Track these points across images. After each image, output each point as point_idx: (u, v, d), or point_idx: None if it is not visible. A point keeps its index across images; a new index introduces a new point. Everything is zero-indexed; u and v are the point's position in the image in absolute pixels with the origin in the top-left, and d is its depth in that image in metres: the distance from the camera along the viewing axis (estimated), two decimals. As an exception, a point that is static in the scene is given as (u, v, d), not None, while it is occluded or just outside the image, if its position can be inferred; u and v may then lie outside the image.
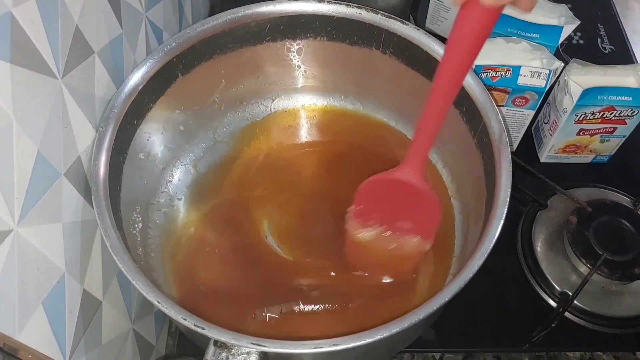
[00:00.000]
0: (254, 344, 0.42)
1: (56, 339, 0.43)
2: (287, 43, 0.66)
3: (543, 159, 0.79)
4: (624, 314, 0.66)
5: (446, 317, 0.64)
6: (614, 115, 0.70)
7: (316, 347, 0.42)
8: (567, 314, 0.67)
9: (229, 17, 0.61)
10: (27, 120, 0.39)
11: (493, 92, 0.68)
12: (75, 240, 0.47)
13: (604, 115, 0.70)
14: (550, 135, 0.75)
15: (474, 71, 0.60)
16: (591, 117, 0.71)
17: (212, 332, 0.43)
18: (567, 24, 0.71)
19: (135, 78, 0.56)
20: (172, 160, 0.66)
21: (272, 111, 0.73)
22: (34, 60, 0.40)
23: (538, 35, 0.71)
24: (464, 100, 0.59)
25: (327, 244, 0.64)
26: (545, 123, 0.77)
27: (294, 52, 0.68)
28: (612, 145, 0.76)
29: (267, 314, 0.60)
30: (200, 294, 0.61)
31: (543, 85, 0.67)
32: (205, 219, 0.66)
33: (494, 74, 0.66)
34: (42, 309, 0.41)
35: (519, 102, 0.70)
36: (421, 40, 0.60)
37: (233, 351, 0.43)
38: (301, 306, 0.60)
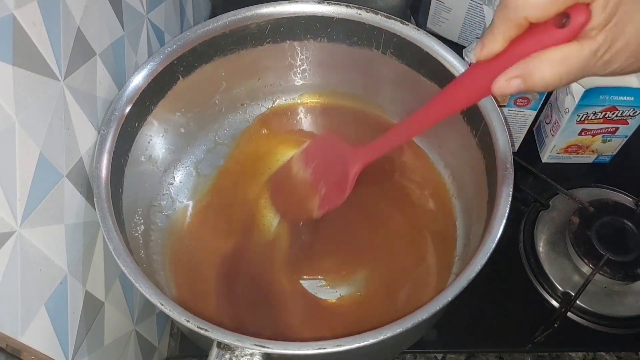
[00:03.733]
0: (257, 345, 0.42)
1: (59, 340, 0.43)
2: (287, 44, 0.66)
3: (545, 159, 0.79)
4: (627, 314, 0.66)
5: (448, 317, 0.64)
6: (616, 115, 0.70)
7: (320, 348, 0.42)
8: (569, 314, 0.66)
9: (229, 19, 0.61)
10: (30, 122, 0.39)
11: (494, 92, 0.68)
12: (78, 242, 0.47)
13: (606, 116, 0.70)
14: (552, 135, 0.75)
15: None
16: (593, 117, 0.71)
17: (215, 334, 0.43)
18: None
19: (137, 80, 0.56)
20: (173, 163, 0.66)
21: (272, 112, 0.73)
22: (36, 62, 0.40)
23: (539, 36, 0.71)
24: (465, 101, 0.59)
25: (330, 243, 0.64)
26: (547, 123, 0.77)
27: (294, 53, 0.68)
28: (614, 145, 0.76)
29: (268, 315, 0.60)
30: (202, 295, 0.60)
31: (544, 86, 0.67)
32: (207, 220, 0.66)
33: (495, 74, 0.66)
34: (45, 310, 0.41)
35: (521, 102, 0.70)
36: (421, 40, 0.60)
37: (236, 352, 0.43)
38: (303, 306, 0.60)
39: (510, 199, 0.50)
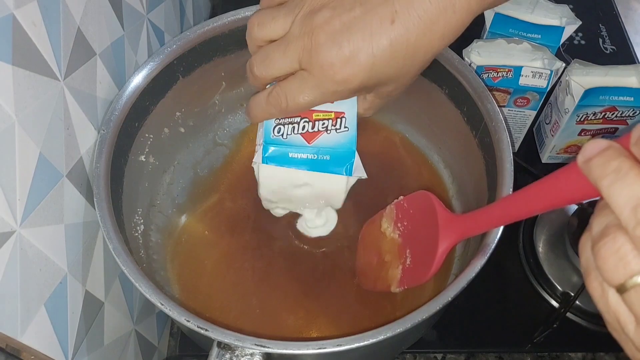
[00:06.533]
0: (257, 345, 0.42)
1: (58, 340, 0.43)
2: (288, 44, 0.66)
3: (544, 159, 0.79)
4: (627, 314, 0.66)
5: (448, 318, 0.64)
6: (616, 116, 0.70)
7: (320, 348, 0.42)
8: (568, 314, 0.67)
9: (229, 19, 0.61)
10: (29, 121, 0.39)
11: (494, 92, 0.68)
12: (77, 242, 0.47)
13: (606, 116, 0.70)
14: (552, 135, 0.75)
15: (476, 72, 0.60)
16: (593, 118, 0.71)
17: (216, 334, 0.43)
18: (569, 25, 0.71)
19: (137, 80, 0.56)
20: (173, 163, 0.66)
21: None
22: (36, 61, 0.40)
23: (539, 36, 0.71)
24: (465, 101, 0.59)
25: (329, 244, 0.64)
26: (547, 123, 0.77)
27: (294, 53, 0.68)
28: (614, 145, 0.76)
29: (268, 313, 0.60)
30: (202, 295, 0.61)
31: (544, 86, 0.67)
32: (206, 221, 0.66)
33: (495, 74, 0.66)
34: (45, 310, 0.41)
35: (521, 102, 0.70)
36: (422, 41, 0.60)
37: (237, 352, 0.43)
38: (304, 305, 0.60)
39: (510, 199, 0.50)
